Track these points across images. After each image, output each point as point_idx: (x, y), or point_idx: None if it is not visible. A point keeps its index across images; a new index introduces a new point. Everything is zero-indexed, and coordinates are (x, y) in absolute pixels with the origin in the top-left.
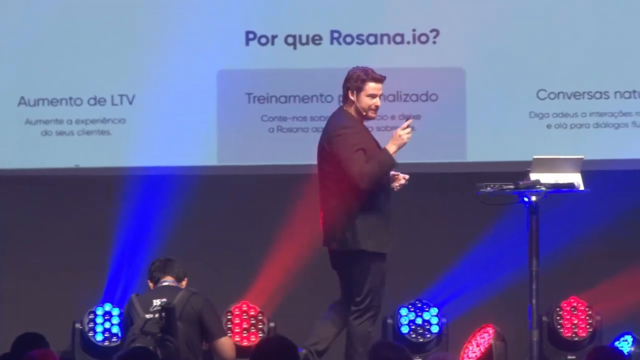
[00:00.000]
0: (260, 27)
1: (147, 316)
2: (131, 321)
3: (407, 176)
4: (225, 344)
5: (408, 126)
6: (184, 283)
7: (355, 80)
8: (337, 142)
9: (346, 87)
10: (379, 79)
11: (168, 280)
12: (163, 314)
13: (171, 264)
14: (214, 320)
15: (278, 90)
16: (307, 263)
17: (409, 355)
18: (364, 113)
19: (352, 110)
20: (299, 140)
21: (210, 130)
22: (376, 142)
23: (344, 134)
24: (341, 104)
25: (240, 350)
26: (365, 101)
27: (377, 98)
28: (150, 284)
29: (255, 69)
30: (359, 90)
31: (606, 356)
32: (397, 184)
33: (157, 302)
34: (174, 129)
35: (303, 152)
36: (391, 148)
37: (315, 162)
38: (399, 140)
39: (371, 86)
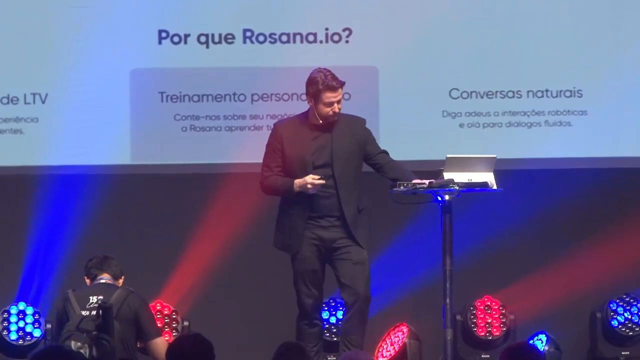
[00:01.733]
0: (172, 26)
1: (84, 313)
2: (67, 316)
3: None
4: (160, 344)
5: (319, 183)
6: (120, 281)
7: (312, 87)
8: None
9: (306, 91)
10: (336, 87)
11: (105, 278)
12: (100, 312)
13: (109, 261)
14: (150, 320)
15: (191, 89)
16: (222, 262)
17: (310, 357)
18: (321, 120)
19: (314, 112)
20: (212, 139)
21: (124, 129)
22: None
23: (270, 135)
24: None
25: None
26: (323, 109)
27: (335, 104)
28: (87, 280)
29: (168, 68)
30: (316, 98)
31: (522, 353)
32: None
33: (93, 299)
34: (87, 128)
35: (216, 151)
36: (295, 185)
37: (229, 161)
38: (303, 186)
39: (327, 95)
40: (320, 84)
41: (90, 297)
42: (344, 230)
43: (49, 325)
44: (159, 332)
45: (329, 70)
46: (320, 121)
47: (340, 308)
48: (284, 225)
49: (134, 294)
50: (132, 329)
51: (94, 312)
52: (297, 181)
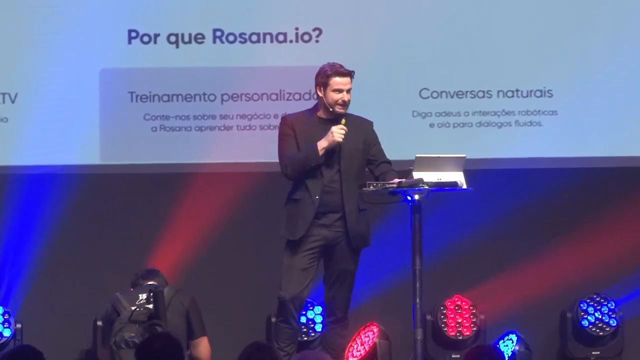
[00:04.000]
0: (142, 26)
1: (133, 308)
2: (117, 314)
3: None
4: (206, 343)
5: (343, 126)
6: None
7: (321, 76)
8: None
9: (315, 84)
10: (345, 74)
11: (152, 282)
12: (151, 297)
13: (155, 272)
14: (198, 318)
15: (161, 89)
16: (191, 262)
17: (276, 356)
18: (331, 109)
19: (322, 106)
20: (182, 139)
21: (93, 129)
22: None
23: (279, 124)
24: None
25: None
26: (331, 96)
27: (344, 93)
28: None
29: (138, 68)
30: (325, 85)
31: (485, 355)
32: None
33: (143, 296)
34: (57, 128)
35: (186, 151)
36: (322, 144)
37: (199, 161)
38: (330, 137)
39: (336, 81)
40: (328, 70)
41: (140, 295)
42: (344, 231)
43: (18, 325)
44: (205, 332)
45: (337, 63)
46: (331, 109)
47: (311, 308)
48: (291, 213)
49: (183, 291)
50: (183, 323)
51: (144, 300)
52: (320, 142)
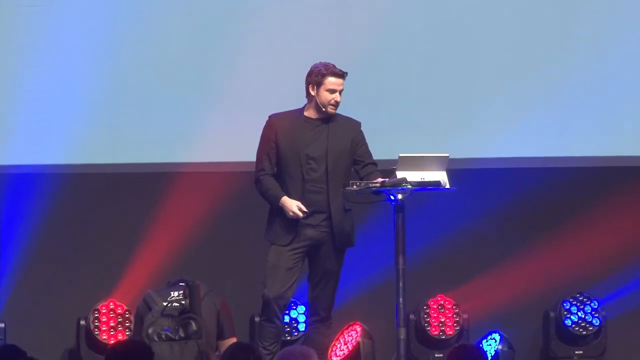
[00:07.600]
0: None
1: (165, 303)
2: (149, 310)
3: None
4: None
5: (300, 214)
6: None
7: (315, 75)
8: None
9: (307, 82)
10: (340, 74)
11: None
12: (187, 291)
13: (183, 280)
14: (229, 318)
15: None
16: (174, 261)
17: (259, 355)
18: (323, 108)
19: (311, 106)
20: (169, 138)
21: (77, 127)
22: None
23: (264, 127)
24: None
25: (106, 349)
26: (325, 96)
27: (337, 93)
28: None
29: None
30: (318, 84)
31: (468, 355)
32: None
33: (174, 293)
34: (41, 127)
35: (173, 151)
36: (282, 201)
37: (185, 161)
38: (289, 207)
39: (331, 81)
40: (323, 69)
41: (172, 292)
42: (330, 231)
43: (1, 325)
44: (235, 333)
45: (331, 63)
46: (323, 109)
47: (294, 307)
48: (277, 218)
49: (214, 292)
50: (214, 322)
51: (175, 304)
52: (287, 202)
